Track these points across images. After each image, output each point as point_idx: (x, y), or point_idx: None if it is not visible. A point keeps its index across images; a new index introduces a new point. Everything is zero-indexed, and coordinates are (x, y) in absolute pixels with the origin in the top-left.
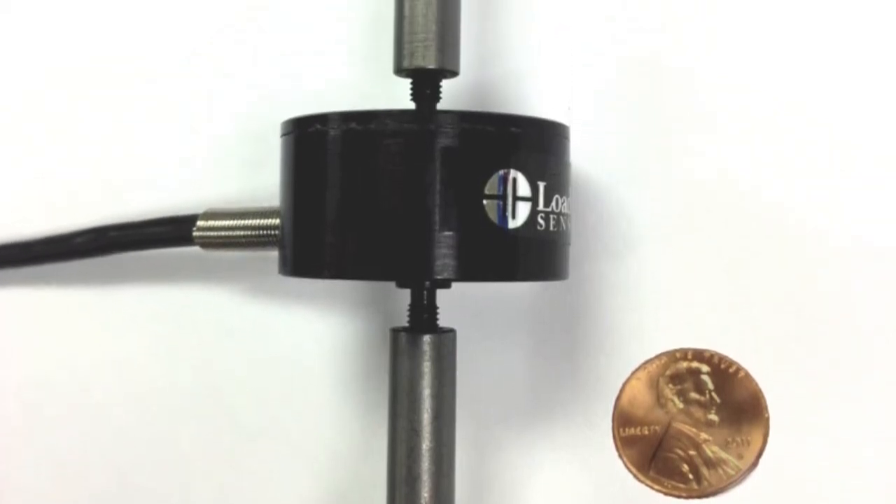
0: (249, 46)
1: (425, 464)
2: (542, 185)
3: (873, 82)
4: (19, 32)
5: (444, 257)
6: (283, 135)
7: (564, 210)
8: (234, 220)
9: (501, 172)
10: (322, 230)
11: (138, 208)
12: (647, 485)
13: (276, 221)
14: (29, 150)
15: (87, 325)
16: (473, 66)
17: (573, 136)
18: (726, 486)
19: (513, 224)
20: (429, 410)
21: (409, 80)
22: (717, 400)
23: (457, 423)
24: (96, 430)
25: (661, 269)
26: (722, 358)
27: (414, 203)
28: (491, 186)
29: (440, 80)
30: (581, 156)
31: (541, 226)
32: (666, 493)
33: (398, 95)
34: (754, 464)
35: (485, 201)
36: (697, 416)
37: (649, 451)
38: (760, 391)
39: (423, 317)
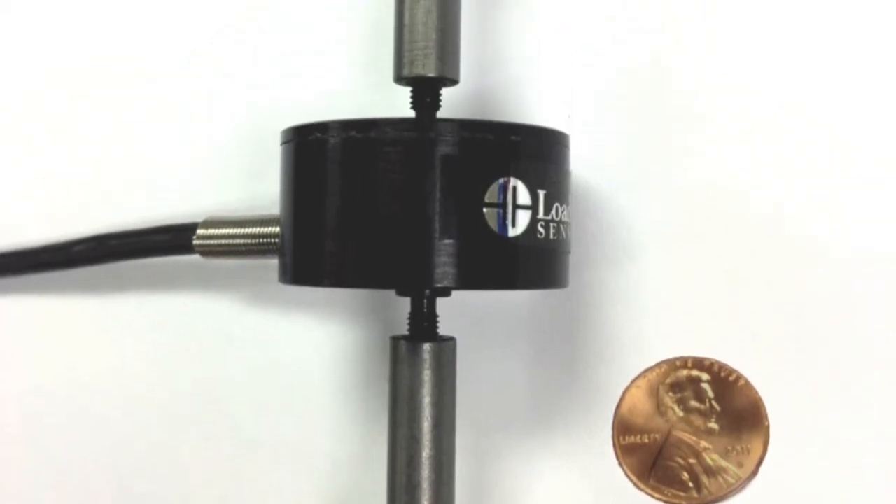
0: (249, 46)
1: (425, 472)
2: (542, 193)
3: (875, 86)
4: (19, 32)
5: (444, 265)
6: (283, 143)
7: (564, 218)
8: (233, 228)
9: (501, 181)
10: (322, 238)
11: (138, 216)
12: (648, 493)
13: (276, 230)
14: (28, 152)
15: (87, 333)
16: (473, 75)
17: (573, 144)
18: (726, 494)
19: (513, 232)
20: (429, 419)
21: (409, 89)
22: (717, 408)
23: (457, 431)
24: (96, 437)
25: (661, 278)
26: (722, 366)
27: (414, 211)
28: (491, 194)
29: (440, 89)
30: (581, 164)
31: (541, 234)
32: (666, 502)
33: (398, 103)
34: (754, 472)
35: (485, 209)
36: (697, 424)
37: (649, 460)
38: (760, 399)
39: (423, 325)
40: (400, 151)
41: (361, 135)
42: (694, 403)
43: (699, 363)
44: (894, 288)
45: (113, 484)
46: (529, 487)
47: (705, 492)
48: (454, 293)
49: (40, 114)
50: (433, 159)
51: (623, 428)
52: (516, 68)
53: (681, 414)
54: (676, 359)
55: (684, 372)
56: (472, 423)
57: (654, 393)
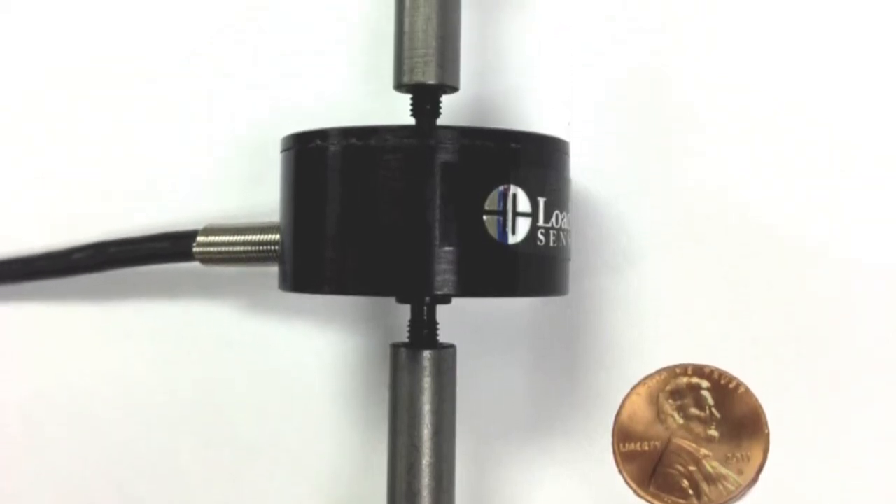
0: (249, 46)
1: (425, 479)
2: (542, 200)
3: (875, 88)
4: (19, 32)
5: (444, 273)
6: (283, 150)
7: (564, 225)
8: (233, 235)
9: (501, 188)
10: (322, 246)
11: (138, 223)
12: (647, 500)
13: (276, 237)
14: (27, 153)
15: (87, 340)
16: (473, 82)
17: (573, 151)
18: (726, 501)
19: (513, 239)
20: (429, 426)
21: (409, 96)
22: (717, 415)
23: (457, 438)
24: (97, 443)
25: (661, 285)
26: (722, 373)
27: (414, 218)
28: (491, 202)
29: (440, 96)
30: (581, 171)
31: (541, 241)
32: None
33: (398, 111)
34: (754, 479)
35: (485, 217)
36: (697, 431)
37: (649, 467)
38: (760, 407)
39: (423, 332)
40: (400, 159)
41: (361, 142)
42: (694, 411)
43: (699, 370)
44: (894, 294)
45: (113, 490)
46: (529, 495)
47: (705, 499)
48: (454, 300)
49: (40, 115)
50: (433, 167)
51: (623, 435)
52: (516, 76)
53: (681, 421)
54: (676, 366)
55: (684, 379)
56: (472, 430)
57: (654, 400)
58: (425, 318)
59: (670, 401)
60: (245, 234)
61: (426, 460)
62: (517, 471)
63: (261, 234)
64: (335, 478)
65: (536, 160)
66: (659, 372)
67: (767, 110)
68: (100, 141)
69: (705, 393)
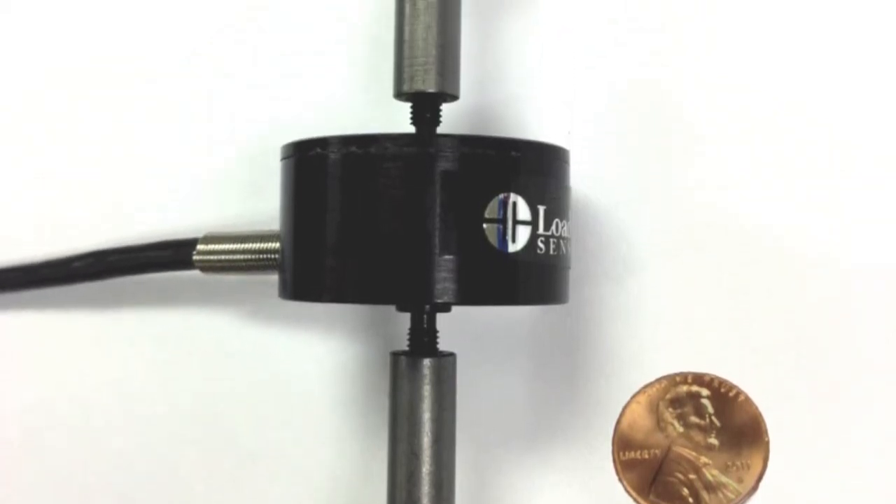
0: (249, 46)
1: (425, 487)
2: (542, 208)
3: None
4: (19, 32)
5: (444, 281)
6: (283, 158)
7: (564, 234)
8: (233, 243)
9: (501, 196)
10: (322, 254)
11: (137, 231)
12: None
13: (276, 245)
14: (27, 153)
15: (87, 348)
16: (473, 90)
17: (573, 159)
18: None
19: (513, 248)
20: (429, 434)
21: (408, 104)
22: (717, 424)
23: (457, 446)
24: (97, 452)
25: (661, 293)
26: (722, 382)
27: (414, 227)
28: (491, 210)
29: (440, 104)
30: (581, 179)
31: (541, 249)
32: None
33: (398, 119)
34: (754, 488)
35: (485, 225)
36: (697, 439)
37: (649, 475)
38: (760, 415)
39: (423, 340)
40: (400, 167)
41: (361, 150)
42: (694, 419)
43: (699, 379)
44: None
45: (113, 498)
46: (529, 503)
47: None
48: (454, 309)
49: (40, 115)
50: (433, 175)
51: (623, 443)
52: (516, 84)
53: (681, 429)
54: (676, 374)
55: (684, 387)
56: (472, 438)
57: (654, 408)
58: (425, 326)
59: (670, 409)
60: (245, 243)
61: (426, 468)
62: (517, 479)
63: (261, 242)
64: (335, 486)
65: (536, 168)
66: (659, 380)
67: (768, 118)
68: (99, 142)
69: (705, 401)
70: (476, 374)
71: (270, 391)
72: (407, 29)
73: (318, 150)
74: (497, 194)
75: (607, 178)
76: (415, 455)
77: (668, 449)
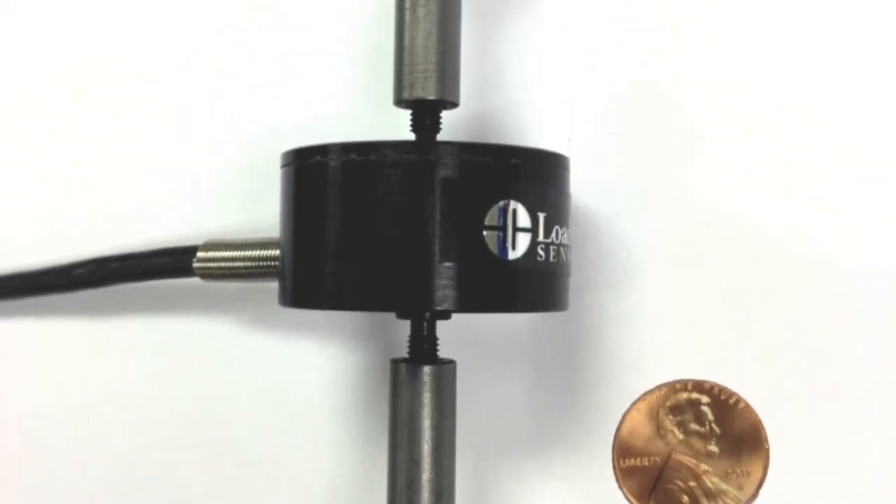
0: (249, 46)
1: (425, 495)
2: (542, 216)
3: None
4: (19, 32)
5: (444, 288)
6: (283, 166)
7: (564, 241)
8: (234, 251)
9: (501, 203)
10: (322, 261)
11: (137, 239)
12: None
13: (276, 252)
14: (27, 153)
15: (87, 355)
16: (473, 97)
17: (573, 166)
18: None
19: (513, 255)
20: (429, 441)
21: (409, 112)
22: (717, 431)
23: (457, 453)
24: (97, 459)
25: (661, 300)
26: (722, 389)
27: (414, 234)
28: (491, 217)
29: (440, 111)
30: (581, 186)
31: (541, 257)
32: None
33: (398, 126)
34: (754, 495)
35: (485, 232)
36: (697, 447)
37: (649, 482)
38: (760, 422)
39: (423, 348)
40: (400, 174)
41: (361, 157)
42: (694, 426)
43: (699, 386)
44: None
45: None
46: None
47: None
48: (454, 316)
49: (40, 115)
50: (433, 182)
51: (623, 450)
52: (516, 89)
53: (681, 437)
54: (676, 381)
55: (684, 395)
56: (473, 445)
57: (654, 416)
58: (425, 333)
59: (670, 416)
60: (245, 250)
61: (426, 476)
62: (517, 486)
63: (261, 249)
64: (335, 493)
65: (536, 176)
66: (659, 387)
67: (768, 118)
68: (98, 143)
69: (705, 408)
70: (476, 382)
71: (270, 398)
72: (407, 36)
73: (318, 157)
74: (497, 201)
75: (607, 184)
76: (415, 462)
77: (668, 456)
